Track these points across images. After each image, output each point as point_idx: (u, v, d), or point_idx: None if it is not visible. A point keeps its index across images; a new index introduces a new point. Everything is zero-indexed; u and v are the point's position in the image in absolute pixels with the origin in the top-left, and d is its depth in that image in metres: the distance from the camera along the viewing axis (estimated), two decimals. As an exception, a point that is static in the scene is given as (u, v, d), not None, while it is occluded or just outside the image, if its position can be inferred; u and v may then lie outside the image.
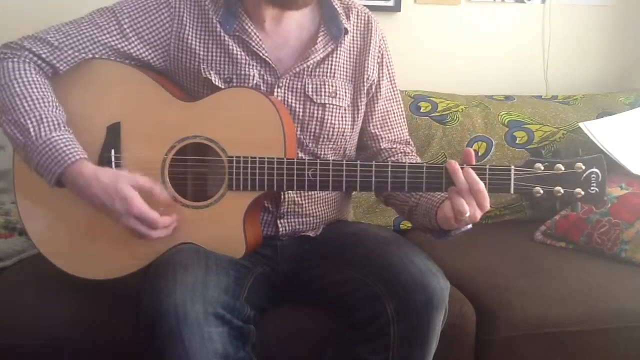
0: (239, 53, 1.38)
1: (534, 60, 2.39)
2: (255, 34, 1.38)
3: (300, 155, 1.41)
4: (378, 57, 1.48)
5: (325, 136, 1.42)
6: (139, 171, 1.31)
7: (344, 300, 1.32)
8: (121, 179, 1.24)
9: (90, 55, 1.35)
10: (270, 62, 1.38)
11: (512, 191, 1.22)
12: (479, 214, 1.20)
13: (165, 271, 1.19)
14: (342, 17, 1.44)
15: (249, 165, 1.28)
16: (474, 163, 1.23)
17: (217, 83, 1.37)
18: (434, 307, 1.23)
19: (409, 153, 1.51)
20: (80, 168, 1.24)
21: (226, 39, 1.38)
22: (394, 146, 1.50)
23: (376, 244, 1.36)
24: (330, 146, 1.45)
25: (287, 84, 1.39)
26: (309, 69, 1.41)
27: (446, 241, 1.34)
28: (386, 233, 1.47)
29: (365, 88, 1.46)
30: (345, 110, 1.44)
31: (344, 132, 1.45)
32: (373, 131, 1.50)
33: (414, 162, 1.45)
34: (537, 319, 1.48)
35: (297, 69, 1.39)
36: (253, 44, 1.38)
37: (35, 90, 1.28)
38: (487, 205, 1.20)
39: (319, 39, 1.41)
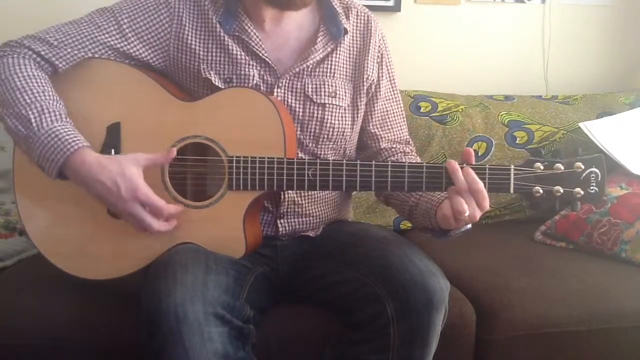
0: (238, 53, 1.38)
1: (534, 60, 2.39)
2: (255, 34, 1.38)
3: (300, 155, 1.41)
4: (378, 56, 1.48)
5: (325, 136, 1.42)
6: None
7: (344, 300, 1.32)
8: (126, 163, 1.24)
9: (90, 55, 1.35)
10: (270, 62, 1.38)
11: (511, 191, 1.22)
12: (478, 214, 1.20)
13: (165, 271, 1.19)
14: (342, 17, 1.44)
15: (249, 165, 1.28)
16: (473, 163, 1.23)
17: (217, 83, 1.37)
18: (434, 307, 1.23)
19: (408, 153, 1.51)
20: (84, 155, 1.23)
21: (226, 39, 1.38)
22: (394, 146, 1.50)
23: (376, 244, 1.36)
24: (330, 146, 1.45)
25: (287, 84, 1.39)
26: (309, 69, 1.41)
27: (446, 241, 1.34)
28: (386, 233, 1.47)
29: (365, 88, 1.47)
30: (345, 110, 1.44)
31: (343, 132, 1.45)
32: (373, 131, 1.50)
33: (414, 162, 1.45)
34: (537, 319, 1.48)
35: (297, 69, 1.39)
36: (253, 44, 1.38)
37: (35, 84, 1.28)
38: (487, 205, 1.20)
39: (319, 39, 1.41)
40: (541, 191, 1.21)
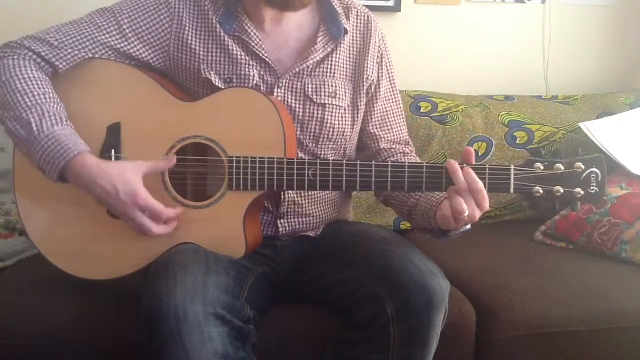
0: (238, 53, 1.38)
1: (534, 60, 2.39)
2: (255, 34, 1.38)
3: (300, 155, 1.41)
4: (377, 57, 1.48)
5: (325, 136, 1.42)
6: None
7: (344, 300, 1.32)
8: (127, 169, 1.25)
9: (90, 55, 1.35)
10: (270, 62, 1.38)
11: (511, 191, 1.22)
12: (477, 214, 1.19)
13: (165, 271, 1.19)
14: (342, 17, 1.44)
15: (249, 165, 1.28)
16: (473, 162, 1.23)
17: (217, 83, 1.37)
18: (434, 307, 1.23)
19: (408, 153, 1.51)
20: (84, 160, 1.23)
21: (226, 39, 1.38)
22: (393, 146, 1.50)
23: (376, 244, 1.36)
24: (330, 146, 1.45)
25: (286, 84, 1.39)
26: (309, 69, 1.41)
27: (446, 241, 1.34)
28: (386, 233, 1.47)
29: (365, 88, 1.47)
30: (345, 110, 1.44)
31: (343, 132, 1.45)
32: (372, 131, 1.50)
33: (414, 162, 1.45)
34: (537, 319, 1.48)
35: (297, 69, 1.39)
36: (253, 44, 1.38)
37: (36, 86, 1.28)
38: (486, 205, 1.20)
39: (319, 39, 1.41)
40: (541, 191, 1.21)
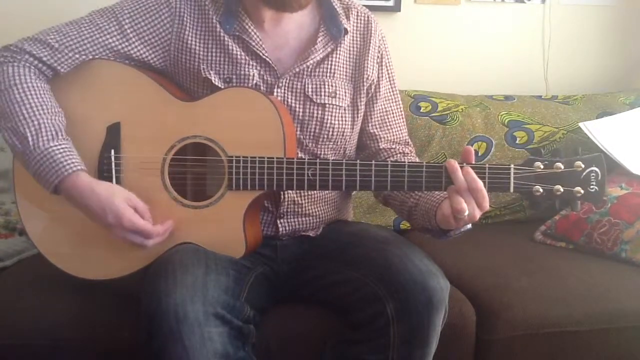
0: (238, 53, 1.38)
1: (534, 60, 2.39)
2: (255, 34, 1.38)
3: (300, 155, 1.41)
4: (377, 57, 1.48)
5: (325, 136, 1.42)
6: (138, 171, 1.32)
7: (344, 300, 1.32)
8: (116, 194, 1.26)
9: (91, 57, 1.35)
10: (270, 62, 1.38)
11: (511, 190, 1.22)
12: (478, 214, 1.19)
13: (165, 271, 1.19)
14: (342, 17, 1.44)
15: (249, 165, 1.28)
16: (473, 162, 1.23)
17: (216, 83, 1.37)
18: (434, 307, 1.23)
19: (407, 154, 1.51)
20: (76, 180, 1.25)
21: (226, 39, 1.38)
22: (393, 146, 1.50)
23: (376, 244, 1.36)
24: (330, 146, 1.45)
25: (286, 84, 1.39)
26: (309, 69, 1.41)
27: (446, 241, 1.34)
28: (386, 233, 1.47)
29: (365, 88, 1.47)
30: (345, 110, 1.44)
31: (343, 132, 1.45)
32: (372, 131, 1.50)
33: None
34: (537, 319, 1.48)
35: (297, 69, 1.39)
36: (253, 43, 1.38)
37: (34, 96, 1.28)
38: (487, 205, 1.20)
39: (319, 39, 1.41)
40: (541, 190, 1.21)
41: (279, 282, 1.43)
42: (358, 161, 1.26)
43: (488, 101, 2.16)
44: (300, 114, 1.40)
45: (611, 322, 1.51)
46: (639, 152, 1.95)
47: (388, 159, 1.49)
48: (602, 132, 1.98)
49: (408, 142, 1.55)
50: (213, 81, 1.37)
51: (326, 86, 1.41)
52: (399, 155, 1.50)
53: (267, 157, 1.27)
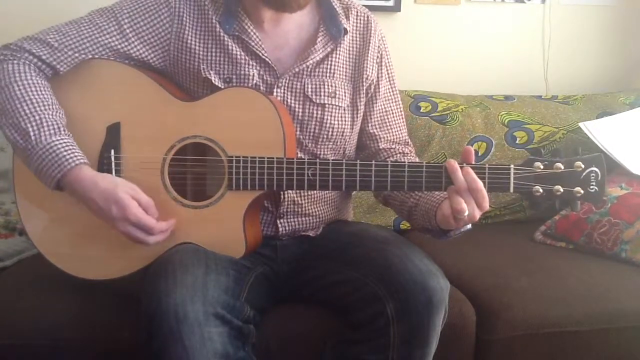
0: (238, 53, 1.38)
1: (534, 60, 2.39)
2: (254, 34, 1.38)
3: (299, 155, 1.41)
4: (377, 57, 1.48)
5: (325, 136, 1.42)
6: (138, 171, 1.32)
7: (344, 300, 1.32)
8: (120, 186, 1.25)
9: (90, 56, 1.35)
10: (270, 62, 1.38)
11: (511, 190, 1.22)
12: (477, 214, 1.19)
13: (165, 271, 1.19)
14: (342, 17, 1.44)
15: (249, 165, 1.28)
16: (473, 162, 1.23)
17: (216, 83, 1.37)
18: (434, 307, 1.23)
19: (407, 154, 1.51)
20: (79, 173, 1.24)
21: (226, 38, 1.38)
22: (393, 146, 1.50)
23: (376, 244, 1.36)
24: (330, 146, 1.45)
25: (286, 84, 1.39)
26: (309, 69, 1.41)
27: (446, 241, 1.34)
28: (386, 233, 1.46)
29: (364, 88, 1.47)
30: (344, 110, 1.44)
31: (343, 132, 1.45)
32: (372, 131, 1.50)
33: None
34: (537, 319, 1.48)
35: (297, 69, 1.39)
36: (252, 44, 1.38)
37: (35, 93, 1.28)
38: (487, 205, 1.20)
39: (319, 39, 1.41)
40: (541, 190, 1.21)
41: (279, 282, 1.43)
42: (358, 161, 1.26)
43: (488, 101, 2.16)
44: (300, 114, 1.40)
45: (611, 322, 1.51)
46: (639, 152, 1.95)
47: (388, 159, 1.49)
48: (602, 132, 1.98)
49: (408, 142, 1.55)
50: (213, 81, 1.37)
51: (326, 86, 1.41)
52: (398, 155, 1.50)
53: (267, 157, 1.27)
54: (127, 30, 1.36)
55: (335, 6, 1.45)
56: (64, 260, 1.36)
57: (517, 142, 2.09)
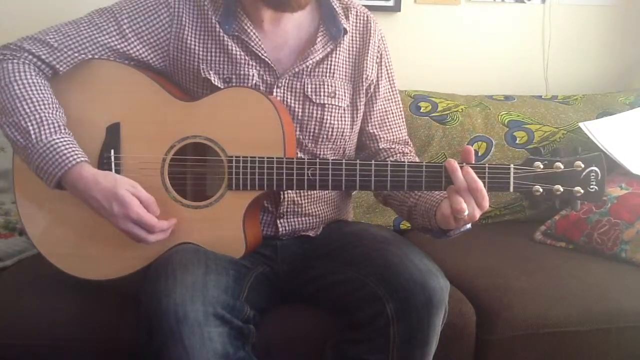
0: (238, 53, 1.38)
1: (534, 60, 2.39)
2: (254, 34, 1.38)
3: (299, 155, 1.41)
4: (377, 57, 1.48)
5: (325, 136, 1.42)
6: (138, 171, 1.32)
7: (344, 300, 1.32)
8: (121, 184, 1.25)
9: (90, 56, 1.35)
10: (270, 62, 1.38)
11: (511, 190, 1.22)
12: (477, 214, 1.19)
13: (165, 271, 1.19)
14: (341, 17, 1.44)
15: (249, 165, 1.28)
16: (473, 161, 1.22)
17: (216, 83, 1.37)
18: (433, 307, 1.23)
19: (407, 153, 1.51)
20: (81, 171, 1.24)
21: (225, 38, 1.38)
22: (393, 146, 1.50)
23: (376, 244, 1.36)
24: (330, 146, 1.45)
25: (286, 84, 1.39)
26: (308, 69, 1.41)
27: (446, 241, 1.34)
28: (386, 233, 1.46)
29: (364, 88, 1.47)
30: (344, 110, 1.44)
31: (343, 132, 1.45)
32: (371, 131, 1.50)
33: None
34: (537, 319, 1.48)
35: (297, 69, 1.39)
36: (252, 44, 1.38)
37: (35, 92, 1.28)
38: (486, 205, 1.20)
39: (318, 39, 1.41)
40: (541, 190, 1.21)
41: (279, 282, 1.43)
42: (358, 161, 1.26)
43: (488, 101, 2.16)
44: (300, 114, 1.40)
45: (611, 322, 1.51)
46: (639, 152, 1.95)
47: (388, 159, 1.49)
48: (602, 132, 1.98)
49: (407, 141, 1.55)
50: (213, 81, 1.37)
51: (325, 86, 1.41)
52: (398, 155, 1.50)
53: (267, 157, 1.27)
54: (127, 31, 1.36)
55: (335, 6, 1.45)
56: (64, 261, 1.36)
57: (517, 142, 2.09)
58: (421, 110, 2.08)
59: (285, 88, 1.39)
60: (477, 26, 2.33)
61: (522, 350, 1.49)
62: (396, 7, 2.22)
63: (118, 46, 1.36)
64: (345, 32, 1.44)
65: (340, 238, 1.45)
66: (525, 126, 2.11)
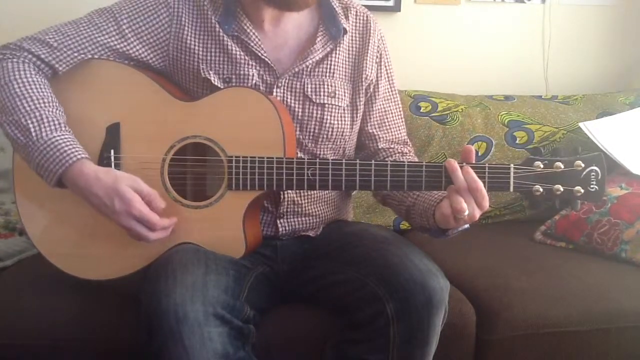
0: (238, 53, 1.38)
1: (534, 60, 2.39)
2: (254, 34, 1.38)
3: (299, 155, 1.41)
4: (376, 57, 1.48)
5: (325, 136, 1.42)
6: (138, 171, 1.32)
7: (344, 300, 1.32)
8: (122, 179, 1.25)
9: (90, 56, 1.35)
10: (269, 62, 1.38)
11: (511, 189, 1.22)
12: (477, 213, 1.19)
13: (165, 271, 1.19)
14: (341, 17, 1.44)
15: (249, 164, 1.28)
16: (473, 161, 1.22)
17: (216, 83, 1.37)
18: (433, 307, 1.23)
19: (406, 153, 1.51)
20: (81, 168, 1.24)
21: (225, 38, 1.38)
22: (392, 146, 1.50)
23: (376, 244, 1.36)
24: (330, 146, 1.45)
25: (286, 84, 1.39)
26: (308, 69, 1.41)
27: (446, 241, 1.34)
28: (386, 233, 1.46)
29: (364, 88, 1.47)
30: (344, 110, 1.44)
31: (343, 132, 1.45)
32: (371, 131, 1.50)
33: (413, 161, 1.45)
34: (537, 319, 1.48)
35: (296, 69, 1.39)
36: (252, 44, 1.38)
37: (35, 90, 1.28)
38: (486, 205, 1.20)
39: (318, 39, 1.41)
40: (541, 190, 1.21)
41: (279, 282, 1.43)
42: (358, 161, 1.26)
43: (488, 101, 2.16)
44: (300, 113, 1.40)
45: (611, 322, 1.51)
46: (639, 152, 1.95)
47: (387, 159, 1.49)
48: (602, 132, 1.98)
49: (407, 141, 1.55)
50: (212, 81, 1.37)
51: (325, 86, 1.41)
52: (397, 155, 1.50)
53: (267, 157, 1.27)
54: (126, 31, 1.36)
55: (335, 6, 1.45)
56: (64, 261, 1.36)
57: (517, 142, 2.09)
58: (421, 110, 2.08)
59: (285, 88, 1.39)
60: (477, 26, 2.33)
61: (522, 350, 1.49)
62: (396, 7, 2.23)
63: (117, 46, 1.36)
64: (345, 32, 1.44)
65: (340, 238, 1.45)
66: (525, 126, 2.11)
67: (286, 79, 1.39)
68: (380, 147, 1.50)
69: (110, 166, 1.32)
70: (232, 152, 1.29)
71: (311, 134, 1.41)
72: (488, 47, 2.35)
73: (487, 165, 1.22)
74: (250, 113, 1.29)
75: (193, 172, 1.35)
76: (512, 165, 1.22)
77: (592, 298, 1.54)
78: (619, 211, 1.81)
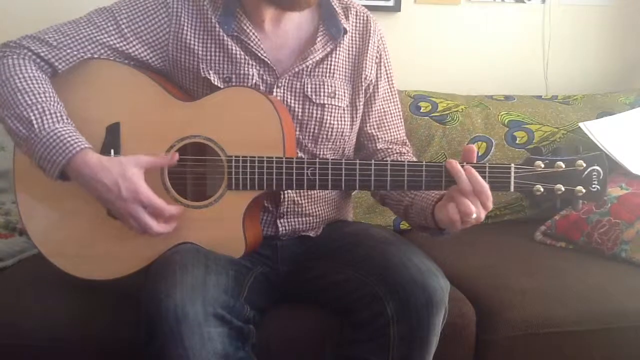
0: (237, 52, 1.37)
1: (534, 60, 2.39)
2: (253, 34, 1.38)
3: (299, 155, 1.41)
4: (376, 57, 1.48)
5: (324, 136, 1.42)
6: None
7: (344, 300, 1.32)
8: (128, 165, 1.24)
9: (89, 55, 1.35)
10: (269, 62, 1.38)
11: (512, 189, 1.21)
12: (483, 214, 1.19)
13: (165, 271, 1.19)
14: (341, 17, 1.44)
15: (248, 164, 1.28)
16: (474, 161, 1.22)
17: (216, 83, 1.37)
18: (433, 307, 1.22)
19: (405, 153, 1.51)
20: (85, 157, 1.24)
21: (225, 38, 1.38)
22: (391, 147, 1.50)
23: (376, 244, 1.36)
24: (329, 146, 1.45)
25: (286, 84, 1.39)
26: (308, 69, 1.41)
27: (446, 241, 1.34)
28: (386, 233, 1.46)
29: (363, 88, 1.46)
30: (344, 110, 1.44)
31: (342, 132, 1.45)
32: (370, 131, 1.50)
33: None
34: (537, 319, 1.48)
35: (296, 69, 1.39)
36: (252, 44, 1.38)
37: (36, 84, 1.28)
38: (490, 205, 1.19)
39: (318, 39, 1.41)
40: (542, 189, 1.20)
41: (279, 282, 1.43)
42: (357, 161, 1.26)
43: (488, 101, 2.17)
44: (300, 114, 1.40)
45: (611, 322, 1.51)
46: (639, 152, 1.95)
47: (386, 159, 1.48)
48: (602, 132, 1.98)
49: (405, 142, 1.55)
50: (212, 81, 1.37)
51: (325, 86, 1.41)
52: (395, 155, 1.49)
53: (267, 157, 1.27)
54: (126, 31, 1.36)
55: (335, 6, 1.45)
56: (64, 261, 1.36)
57: (517, 142, 2.09)
58: (421, 110, 2.08)
59: (285, 88, 1.39)
60: (477, 26, 2.33)
61: (522, 350, 1.49)
62: (396, 7, 2.23)
63: (117, 45, 1.36)
64: (345, 32, 1.44)
65: (340, 238, 1.45)
66: (525, 126, 2.11)
67: (286, 79, 1.39)
68: (378, 147, 1.50)
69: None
70: (232, 151, 1.29)
71: (311, 134, 1.41)
72: (488, 47, 2.36)
73: (487, 164, 1.22)
74: (250, 113, 1.29)
75: (193, 172, 1.34)
76: (512, 165, 1.21)
77: (592, 298, 1.54)
78: (619, 211, 1.81)
